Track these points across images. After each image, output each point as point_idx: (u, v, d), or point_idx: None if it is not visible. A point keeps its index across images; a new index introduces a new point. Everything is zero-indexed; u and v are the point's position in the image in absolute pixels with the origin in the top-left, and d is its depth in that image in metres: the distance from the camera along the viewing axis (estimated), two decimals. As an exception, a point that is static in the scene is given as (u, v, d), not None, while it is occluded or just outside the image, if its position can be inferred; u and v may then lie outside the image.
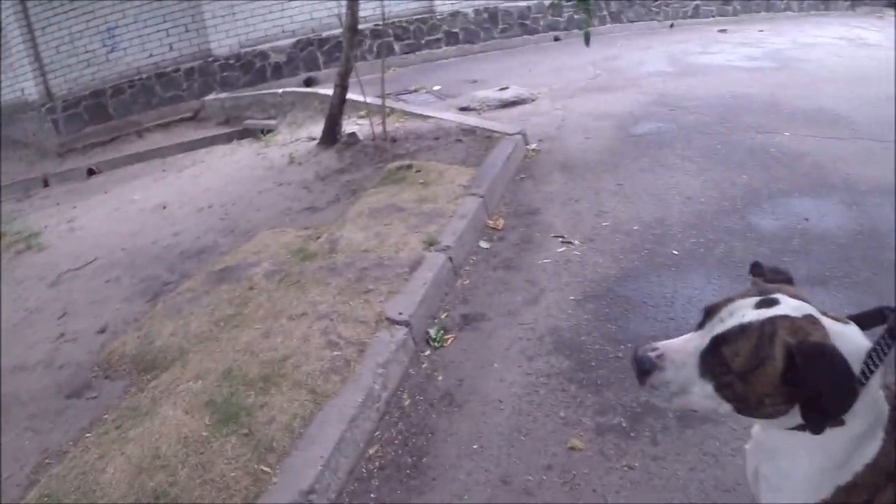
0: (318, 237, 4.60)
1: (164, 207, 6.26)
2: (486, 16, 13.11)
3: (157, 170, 8.34)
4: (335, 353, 3.09)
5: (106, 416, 3.15)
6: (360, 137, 6.94)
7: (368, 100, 6.91)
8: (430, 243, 4.11)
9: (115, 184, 8.04)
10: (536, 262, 4.16)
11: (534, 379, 3.08)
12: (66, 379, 3.61)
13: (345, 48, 6.99)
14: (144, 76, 10.90)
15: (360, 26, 7.22)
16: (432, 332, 3.50)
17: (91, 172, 9.20)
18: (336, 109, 7.07)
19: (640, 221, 4.53)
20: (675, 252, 4.06)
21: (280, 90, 10.16)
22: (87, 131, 10.54)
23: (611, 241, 4.30)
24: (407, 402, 3.05)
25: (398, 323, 3.32)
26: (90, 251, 5.43)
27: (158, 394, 3.12)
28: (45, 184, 9.12)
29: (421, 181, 5.26)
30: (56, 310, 4.52)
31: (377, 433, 2.86)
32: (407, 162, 5.77)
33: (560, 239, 4.41)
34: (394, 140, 6.69)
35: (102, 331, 4.08)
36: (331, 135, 7.09)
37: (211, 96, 11.03)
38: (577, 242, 4.33)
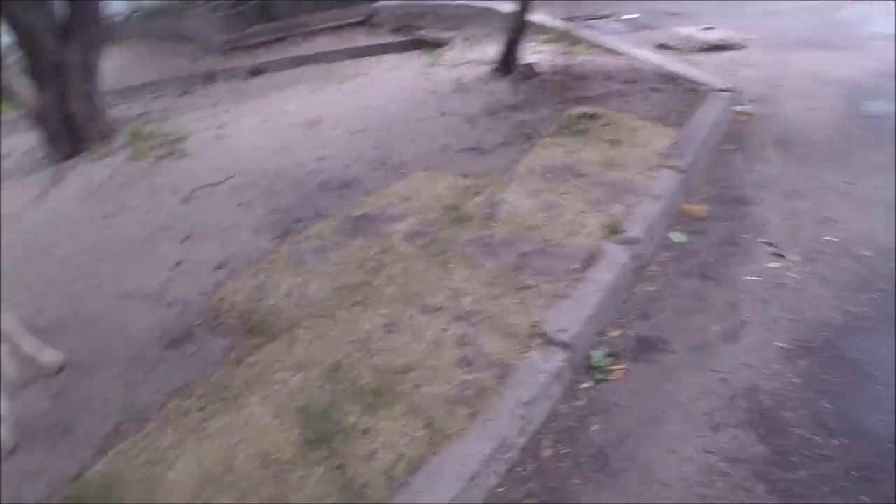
0: (478, 193, 3.88)
1: (316, 124, 5.75)
2: (695, -62, 11.44)
3: (319, 77, 7.85)
4: (469, 375, 2.39)
5: (196, 384, 2.72)
6: (540, 69, 6.04)
7: (554, 23, 5.92)
8: (613, 230, 3.25)
9: (274, 88, 7.64)
10: (741, 276, 3.21)
11: (714, 461, 2.24)
12: (171, 321, 3.24)
13: (532, -37, 6.04)
14: (315, -24, 10.37)
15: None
16: (597, 355, 2.70)
17: (256, 72, 8.92)
18: (514, 34, 6.20)
19: (875, 244, 3.36)
20: (919, 303, 2.94)
21: (458, 1, 9.31)
22: (254, 30, 10.25)
23: (835, 267, 3.22)
24: (547, 454, 2.32)
25: (557, 344, 2.55)
26: (231, 166, 5.02)
27: (254, 375, 2.62)
28: (210, 80, 8.93)
29: (608, 138, 4.34)
30: (182, 230, 4.16)
31: (500, 489, 2.19)
32: (592, 109, 4.85)
33: (772, 249, 3.41)
34: (578, 77, 5.75)
35: (220, 267, 3.66)
36: (506, 62, 6.25)
37: (383, 1, 10.39)
38: (793, 259, 3.31)
